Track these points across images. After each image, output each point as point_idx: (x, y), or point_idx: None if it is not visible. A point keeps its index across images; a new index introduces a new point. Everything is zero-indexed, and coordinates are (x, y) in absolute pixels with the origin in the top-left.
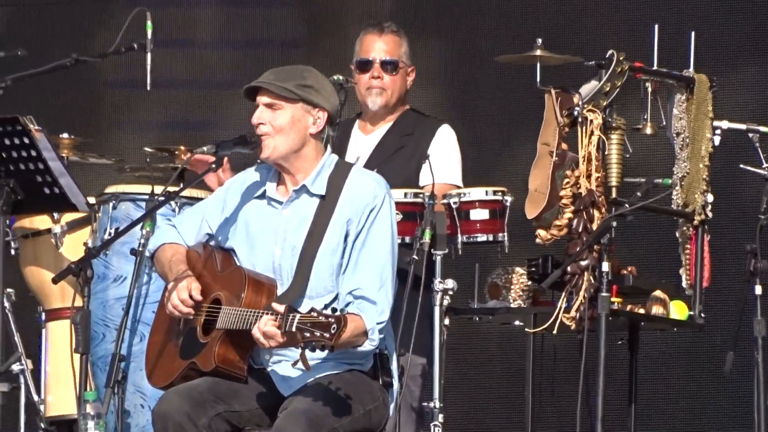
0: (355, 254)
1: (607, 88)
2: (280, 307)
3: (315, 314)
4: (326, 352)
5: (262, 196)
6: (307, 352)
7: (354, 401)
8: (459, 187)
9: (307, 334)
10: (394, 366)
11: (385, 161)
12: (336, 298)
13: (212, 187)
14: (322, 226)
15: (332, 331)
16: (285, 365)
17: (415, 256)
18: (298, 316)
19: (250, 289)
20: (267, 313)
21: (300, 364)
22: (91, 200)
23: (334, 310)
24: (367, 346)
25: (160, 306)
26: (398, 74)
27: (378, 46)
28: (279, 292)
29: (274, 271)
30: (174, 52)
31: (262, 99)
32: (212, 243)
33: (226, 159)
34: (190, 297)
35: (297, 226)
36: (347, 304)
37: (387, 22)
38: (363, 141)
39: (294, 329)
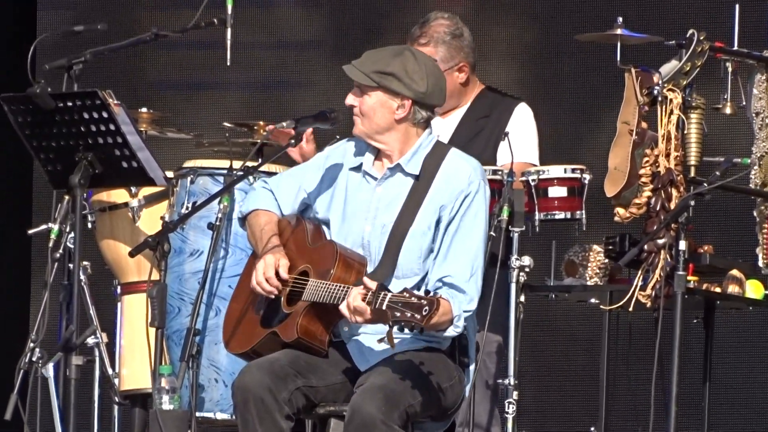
0: (447, 241)
1: (687, 68)
2: (372, 284)
3: (407, 295)
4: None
5: (359, 168)
6: (394, 331)
7: (431, 379)
8: (535, 166)
9: (398, 314)
10: (472, 348)
11: (464, 145)
12: (422, 280)
13: (296, 159)
14: (414, 207)
15: (424, 313)
16: (364, 338)
17: (492, 233)
18: (389, 294)
19: (340, 266)
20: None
21: (386, 342)
22: (169, 174)
23: (427, 292)
24: (451, 332)
25: (244, 274)
26: None
27: None
28: (368, 270)
29: (363, 247)
30: (254, 26)
31: (354, 81)
32: (306, 213)
33: (310, 130)
34: (277, 275)
35: (388, 204)
36: (436, 290)
37: (423, 22)
38: (441, 123)
39: (384, 308)
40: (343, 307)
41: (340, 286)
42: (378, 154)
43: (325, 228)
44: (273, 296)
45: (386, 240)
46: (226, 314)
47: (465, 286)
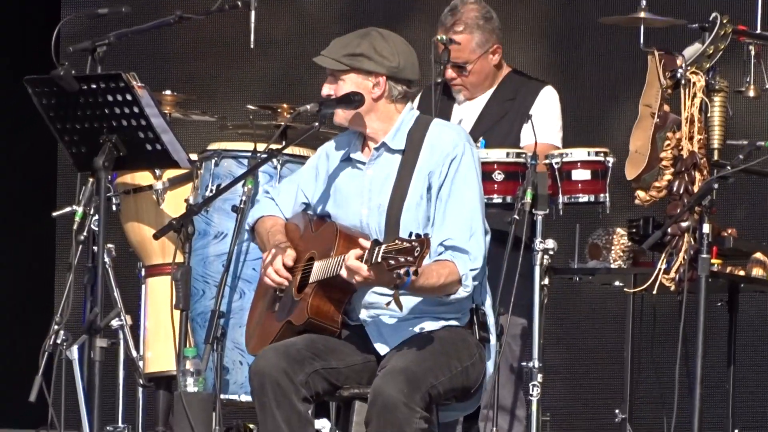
0: (442, 206)
1: (711, 51)
2: (366, 243)
3: (398, 242)
4: (421, 300)
5: (348, 159)
6: (406, 301)
7: (452, 358)
8: (558, 148)
9: (392, 262)
10: (491, 322)
11: (490, 128)
12: None
13: None
14: (405, 181)
15: (416, 254)
16: (382, 319)
17: (516, 216)
18: (383, 247)
19: (341, 242)
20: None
21: (393, 305)
22: (193, 157)
23: (418, 235)
24: (461, 292)
25: (260, 281)
26: (472, 68)
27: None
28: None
29: (362, 230)
30: (278, 8)
31: (327, 70)
32: (309, 212)
33: None
34: (283, 265)
35: (381, 184)
36: (439, 254)
37: (453, 9)
38: (467, 106)
39: (380, 260)
40: (342, 271)
41: (340, 257)
42: (364, 140)
43: (328, 220)
44: (285, 286)
45: (384, 219)
46: (247, 321)
47: (466, 246)
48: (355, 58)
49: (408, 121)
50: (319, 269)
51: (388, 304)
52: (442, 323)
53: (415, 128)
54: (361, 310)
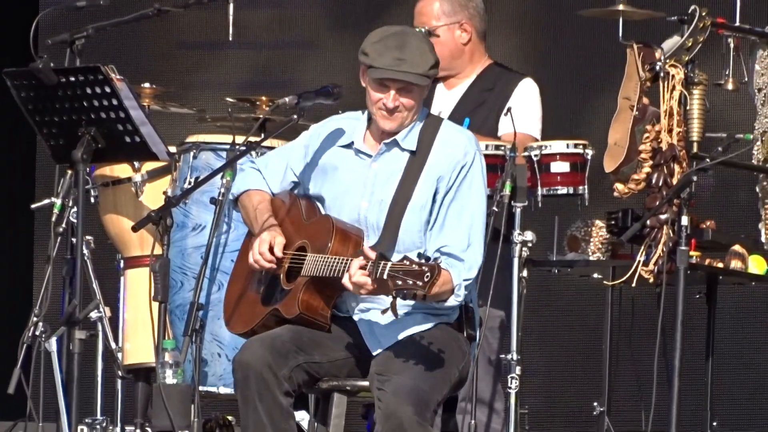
0: (444, 212)
1: (689, 44)
2: (372, 254)
3: (407, 262)
4: (416, 301)
5: (349, 146)
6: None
7: (451, 367)
8: (536, 139)
9: (399, 282)
10: (476, 319)
11: (466, 116)
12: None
13: None
14: (412, 181)
15: (425, 279)
16: (373, 315)
17: (495, 208)
18: (390, 263)
19: (337, 238)
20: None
21: (389, 313)
22: (172, 149)
23: (427, 258)
24: (452, 301)
25: (241, 254)
26: (437, 39)
27: (415, 16)
28: (365, 245)
29: (359, 222)
30: (255, 9)
31: (393, 83)
32: (297, 191)
33: None
34: (272, 252)
35: (386, 180)
36: (435, 260)
37: None
38: (446, 96)
39: (385, 277)
40: (345, 281)
41: (340, 259)
42: (369, 131)
43: (318, 204)
44: (272, 271)
45: (385, 215)
46: (226, 294)
47: (463, 255)
48: (435, 69)
49: (420, 120)
50: (313, 265)
51: (385, 311)
52: (434, 320)
53: (425, 128)
54: (352, 304)
